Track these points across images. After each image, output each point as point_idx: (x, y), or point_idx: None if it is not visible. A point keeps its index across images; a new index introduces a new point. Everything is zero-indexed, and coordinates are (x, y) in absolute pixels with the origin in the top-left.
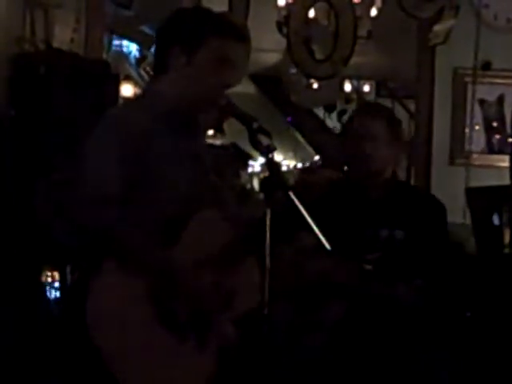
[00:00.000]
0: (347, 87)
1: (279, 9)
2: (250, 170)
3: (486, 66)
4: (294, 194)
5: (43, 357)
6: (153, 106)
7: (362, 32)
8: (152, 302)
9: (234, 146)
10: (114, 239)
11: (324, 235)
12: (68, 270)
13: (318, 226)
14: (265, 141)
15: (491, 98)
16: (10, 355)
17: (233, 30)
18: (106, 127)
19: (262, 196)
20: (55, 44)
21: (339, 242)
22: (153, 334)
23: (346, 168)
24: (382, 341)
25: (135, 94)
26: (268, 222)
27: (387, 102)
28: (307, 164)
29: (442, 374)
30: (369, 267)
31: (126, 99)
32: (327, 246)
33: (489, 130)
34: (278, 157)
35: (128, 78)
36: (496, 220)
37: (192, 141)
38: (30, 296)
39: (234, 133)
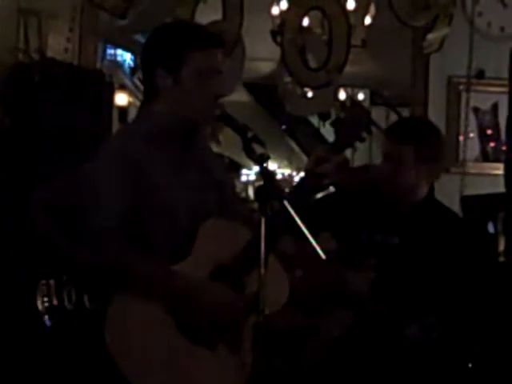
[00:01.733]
0: (342, 96)
1: (273, 18)
2: (244, 178)
3: (480, 74)
4: (289, 202)
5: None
6: (148, 130)
7: (356, 40)
8: (172, 320)
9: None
10: (121, 270)
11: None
12: (64, 279)
13: (312, 233)
14: (259, 149)
15: (485, 106)
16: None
17: (208, 37)
18: (104, 160)
19: (256, 205)
20: (49, 54)
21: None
22: (179, 350)
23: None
24: (383, 363)
25: (129, 104)
26: (263, 231)
27: (381, 110)
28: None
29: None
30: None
31: (121, 108)
32: (322, 254)
33: (483, 138)
34: (272, 165)
35: (122, 87)
36: (491, 228)
37: (197, 152)
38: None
39: (228, 142)
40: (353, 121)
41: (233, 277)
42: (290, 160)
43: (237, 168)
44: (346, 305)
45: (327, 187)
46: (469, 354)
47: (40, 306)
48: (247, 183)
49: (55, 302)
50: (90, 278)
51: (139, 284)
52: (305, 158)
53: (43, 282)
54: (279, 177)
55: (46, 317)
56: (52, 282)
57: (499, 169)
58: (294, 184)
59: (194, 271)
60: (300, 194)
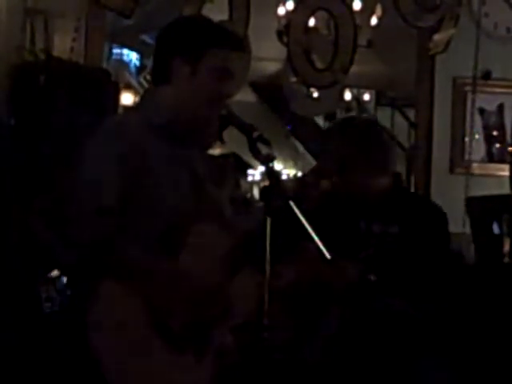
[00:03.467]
0: (347, 96)
1: (279, 18)
2: (250, 178)
3: (486, 75)
4: (294, 202)
5: (41, 361)
6: (152, 117)
7: (362, 41)
8: (150, 315)
9: (234, 155)
10: (112, 251)
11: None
12: (64, 280)
13: (317, 232)
14: (265, 150)
15: (491, 107)
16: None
17: (231, 40)
18: (103, 137)
19: (262, 205)
20: (55, 53)
21: (334, 240)
22: (151, 347)
23: None
24: (378, 349)
25: (135, 103)
26: (268, 231)
27: (387, 111)
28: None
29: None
30: (373, 278)
31: (126, 108)
32: (327, 255)
33: (489, 139)
34: (277, 166)
35: (128, 87)
36: (496, 229)
37: (189, 153)
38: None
39: (234, 142)
40: None
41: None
42: (295, 161)
43: (244, 167)
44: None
45: None
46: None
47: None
48: (252, 183)
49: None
50: (80, 261)
51: (130, 269)
52: (310, 159)
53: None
54: (284, 177)
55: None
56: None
57: (504, 170)
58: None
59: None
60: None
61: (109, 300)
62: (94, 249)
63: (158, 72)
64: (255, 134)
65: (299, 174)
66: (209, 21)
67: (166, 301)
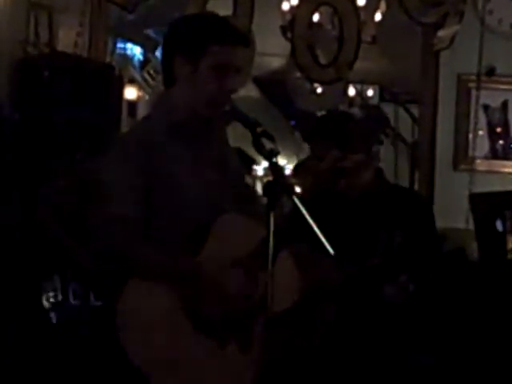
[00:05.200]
0: (351, 92)
1: (283, 13)
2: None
3: (490, 71)
4: (298, 198)
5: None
6: (165, 119)
7: (366, 37)
8: (184, 311)
9: (239, 150)
10: (135, 260)
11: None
12: (68, 275)
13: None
14: (268, 145)
15: (495, 103)
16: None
17: (233, 35)
18: (119, 147)
19: (265, 200)
20: (59, 47)
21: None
22: (190, 343)
23: None
24: (370, 342)
25: (139, 97)
26: (271, 227)
27: (390, 107)
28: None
29: (429, 374)
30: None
31: (130, 102)
32: (331, 250)
33: (492, 136)
34: (281, 161)
35: (132, 81)
36: (499, 226)
37: (215, 148)
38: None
39: (238, 137)
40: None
41: (247, 274)
42: (299, 156)
43: (250, 162)
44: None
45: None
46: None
47: (46, 303)
48: (255, 178)
49: (60, 298)
50: (98, 272)
51: (152, 275)
52: None
53: (48, 277)
54: (288, 172)
55: (53, 313)
56: (57, 277)
57: (508, 166)
58: None
59: (208, 266)
60: None
61: (138, 302)
62: (117, 257)
63: (165, 74)
64: (259, 130)
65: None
66: (210, 17)
67: (200, 295)
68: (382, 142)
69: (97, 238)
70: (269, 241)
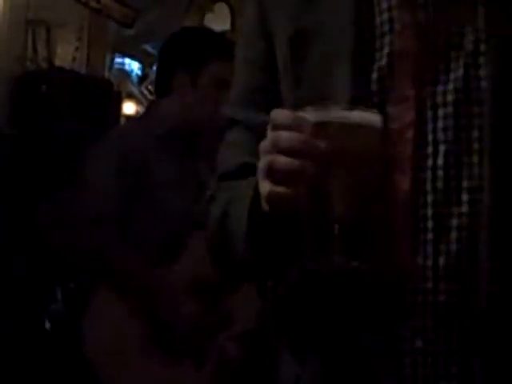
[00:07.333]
0: None
1: None
2: None
3: None
4: None
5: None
6: (155, 128)
7: None
8: (148, 328)
9: None
10: (109, 260)
11: None
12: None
13: None
14: None
15: None
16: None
17: (232, 51)
18: (104, 146)
19: None
20: (57, 62)
21: None
22: (150, 359)
23: None
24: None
25: (137, 113)
26: None
27: None
28: None
29: None
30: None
31: (128, 118)
32: None
33: None
34: None
35: (130, 96)
36: None
37: (195, 165)
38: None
39: None
40: None
41: (211, 292)
42: None
43: None
44: None
45: None
46: None
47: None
48: None
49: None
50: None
51: (126, 279)
52: None
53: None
54: None
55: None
56: (59, 289)
57: None
58: None
59: (174, 279)
60: None
61: (104, 312)
62: (92, 257)
63: (160, 84)
64: None
65: None
66: (210, 32)
67: (166, 312)
68: None
69: (76, 233)
70: None
